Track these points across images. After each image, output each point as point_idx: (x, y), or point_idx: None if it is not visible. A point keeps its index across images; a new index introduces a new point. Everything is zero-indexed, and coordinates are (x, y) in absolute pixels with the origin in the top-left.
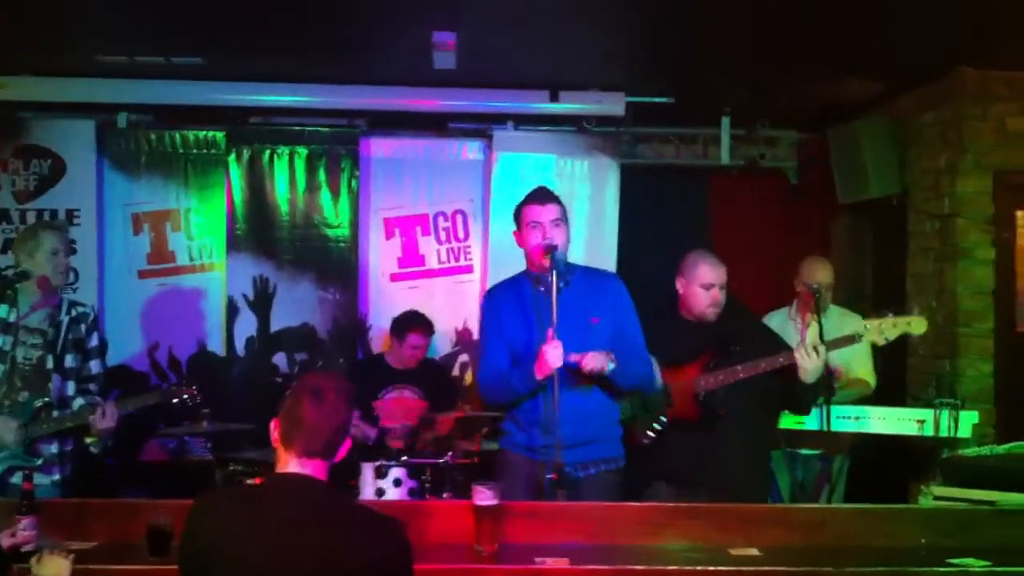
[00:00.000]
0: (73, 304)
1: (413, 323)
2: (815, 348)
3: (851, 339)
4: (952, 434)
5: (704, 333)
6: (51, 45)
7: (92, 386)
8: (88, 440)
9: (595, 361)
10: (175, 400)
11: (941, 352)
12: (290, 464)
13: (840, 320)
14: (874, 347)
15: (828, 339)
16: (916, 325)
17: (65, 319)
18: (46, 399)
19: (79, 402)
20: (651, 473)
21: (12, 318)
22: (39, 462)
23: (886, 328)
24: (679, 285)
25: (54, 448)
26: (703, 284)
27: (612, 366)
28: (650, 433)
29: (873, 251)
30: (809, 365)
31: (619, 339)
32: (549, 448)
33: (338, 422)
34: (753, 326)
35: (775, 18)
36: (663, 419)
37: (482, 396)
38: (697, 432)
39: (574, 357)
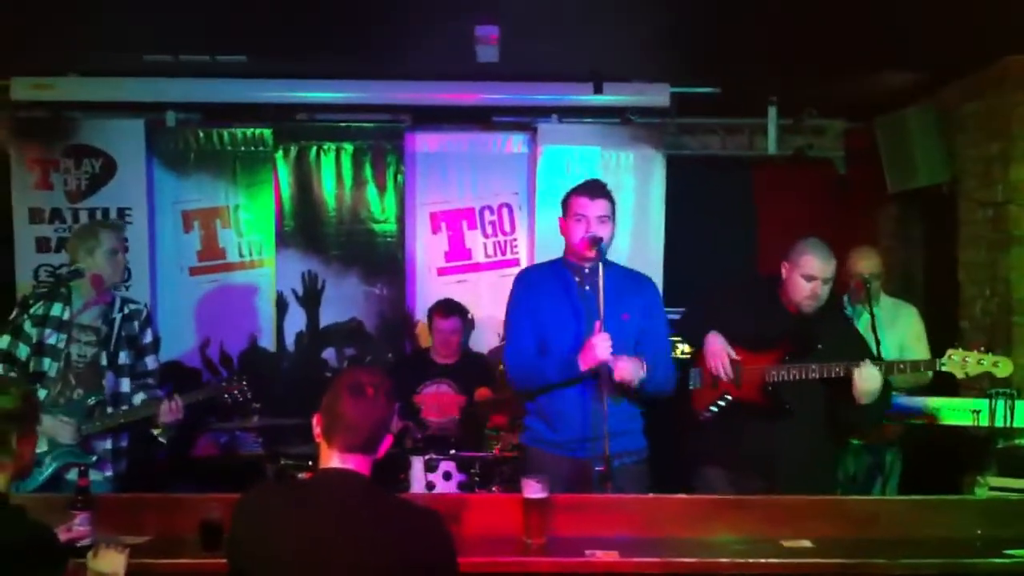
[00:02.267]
0: (126, 301)
1: (438, 307)
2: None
3: (930, 364)
4: (1008, 424)
5: (795, 324)
6: (97, 45)
7: (150, 381)
8: (156, 431)
9: (627, 371)
10: (226, 396)
11: (995, 341)
12: (332, 459)
13: (894, 311)
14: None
15: (904, 361)
16: (1003, 367)
17: (118, 316)
18: (100, 397)
19: (140, 397)
20: (700, 457)
21: (66, 316)
22: (93, 459)
23: (971, 363)
24: (783, 269)
25: (108, 444)
26: (805, 274)
27: (643, 375)
28: (712, 408)
29: (923, 241)
30: (867, 387)
31: (646, 340)
32: (593, 442)
33: (378, 417)
34: (848, 331)
35: (819, 8)
36: (728, 397)
37: (510, 376)
38: (758, 421)
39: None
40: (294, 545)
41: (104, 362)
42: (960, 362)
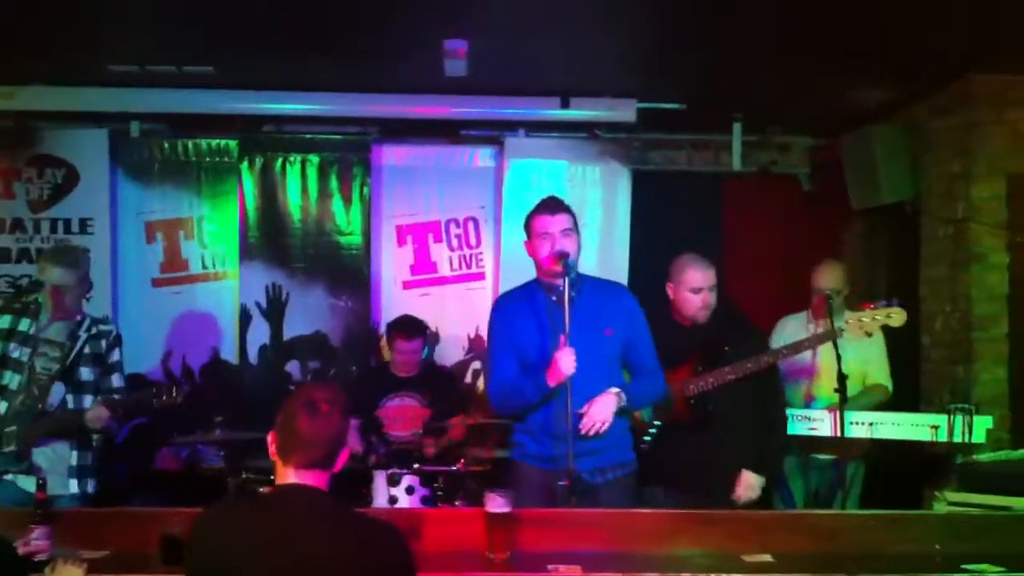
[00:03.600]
0: (96, 322)
1: (396, 327)
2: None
3: (831, 335)
4: (967, 439)
5: (695, 336)
6: (61, 55)
7: (117, 397)
8: (94, 437)
9: (600, 414)
10: (154, 400)
11: (956, 357)
12: (289, 476)
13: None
14: (889, 353)
15: (807, 338)
16: (896, 317)
17: (84, 335)
18: (47, 407)
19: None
20: (648, 478)
21: (32, 331)
22: (25, 465)
23: (866, 321)
24: (669, 290)
25: (73, 461)
26: (692, 288)
27: (622, 404)
28: (646, 438)
29: (887, 257)
30: (749, 494)
31: (635, 353)
32: (564, 457)
33: (333, 433)
34: (745, 329)
35: (786, 25)
36: (657, 423)
37: (494, 406)
38: (691, 435)
39: (583, 409)
40: (254, 562)
41: (61, 377)
42: (857, 323)
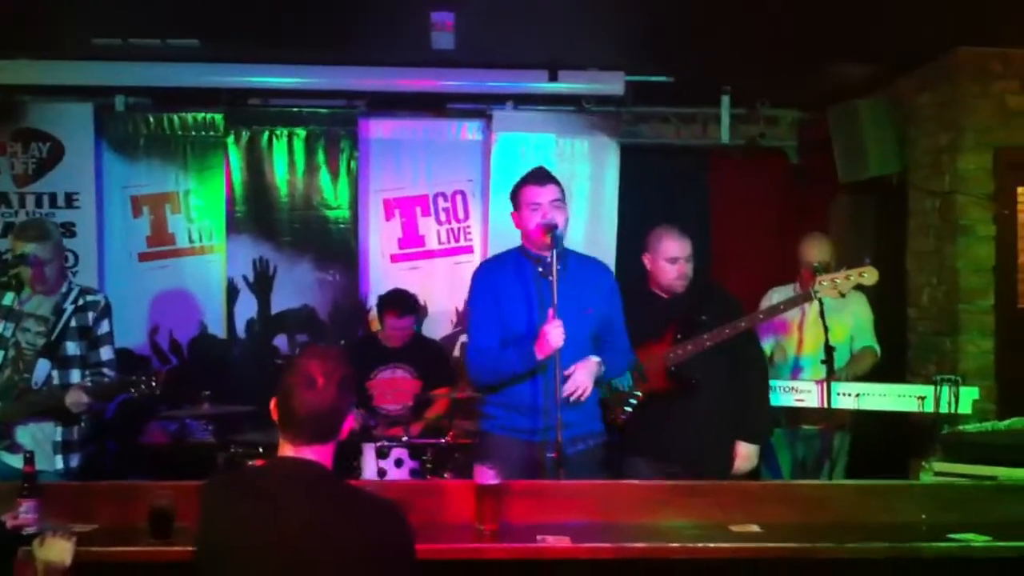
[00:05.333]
0: (84, 292)
1: (388, 304)
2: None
3: (806, 297)
4: (953, 410)
5: (673, 306)
6: (45, 28)
7: (105, 371)
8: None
9: (584, 380)
10: (132, 390)
11: (942, 329)
12: (288, 449)
13: (843, 298)
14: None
15: (783, 301)
16: (868, 276)
17: (70, 307)
18: (29, 382)
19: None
20: (629, 449)
21: (15, 305)
22: (7, 443)
23: (840, 282)
24: (646, 260)
25: (57, 437)
26: (668, 258)
27: (600, 373)
28: (627, 409)
29: (874, 230)
30: (745, 464)
31: (608, 332)
32: (549, 429)
33: (330, 407)
34: (721, 297)
35: None
36: (637, 394)
37: (471, 376)
38: (672, 405)
39: (569, 370)
40: (261, 539)
41: (46, 352)
42: (831, 285)
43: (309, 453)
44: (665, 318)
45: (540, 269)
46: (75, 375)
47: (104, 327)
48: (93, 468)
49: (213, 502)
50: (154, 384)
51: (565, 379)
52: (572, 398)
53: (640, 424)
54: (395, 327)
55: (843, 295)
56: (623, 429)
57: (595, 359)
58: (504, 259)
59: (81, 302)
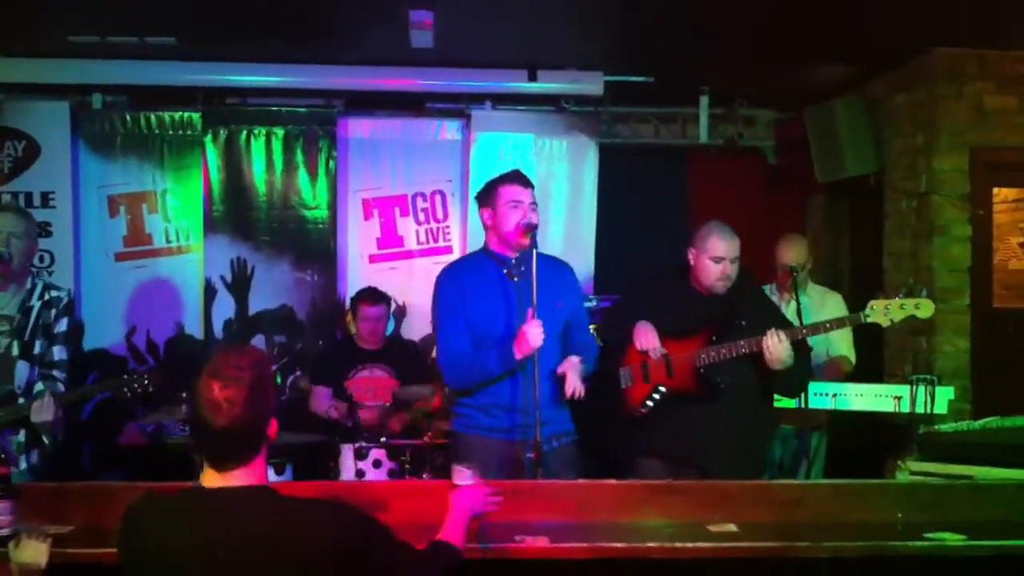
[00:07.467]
0: (48, 287)
1: (361, 296)
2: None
3: (855, 318)
4: (929, 410)
5: (712, 306)
6: (21, 26)
7: (56, 372)
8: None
9: (577, 380)
10: (124, 389)
11: (918, 329)
12: (214, 477)
13: (821, 298)
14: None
15: (827, 319)
16: (924, 308)
17: (36, 304)
18: (9, 387)
19: (39, 388)
20: (640, 448)
21: None
22: None
23: (893, 309)
24: (690, 256)
25: (21, 437)
26: (713, 256)
27: (584, 368)
28: (648, 403)
29: (851, 230)
30: (776, 354)
31: (575, 328)
32: (528, 427)
33: (244, 425)
34: (763, 302)
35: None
36: (662, 389)
37: (447, 379)
38: (695, 406)
39: (559, 370)
40: (181, 559)
41: (15, 352)
42: (883, 310)
43: (235, 479)
44: (703, 317)
45: (504, 270)
46: (37, 374)
47: (62, 325)
48: (60, 466)
49: (140, 521)
50: (147, 383)
51: (559, 379)
52: (573, 397)
53: (658, 423)
54: (368, 317)
55: (894, 323)
56: (633, 427)
57: (576, 358)
58: (468, 261)
59: (47, 296)
